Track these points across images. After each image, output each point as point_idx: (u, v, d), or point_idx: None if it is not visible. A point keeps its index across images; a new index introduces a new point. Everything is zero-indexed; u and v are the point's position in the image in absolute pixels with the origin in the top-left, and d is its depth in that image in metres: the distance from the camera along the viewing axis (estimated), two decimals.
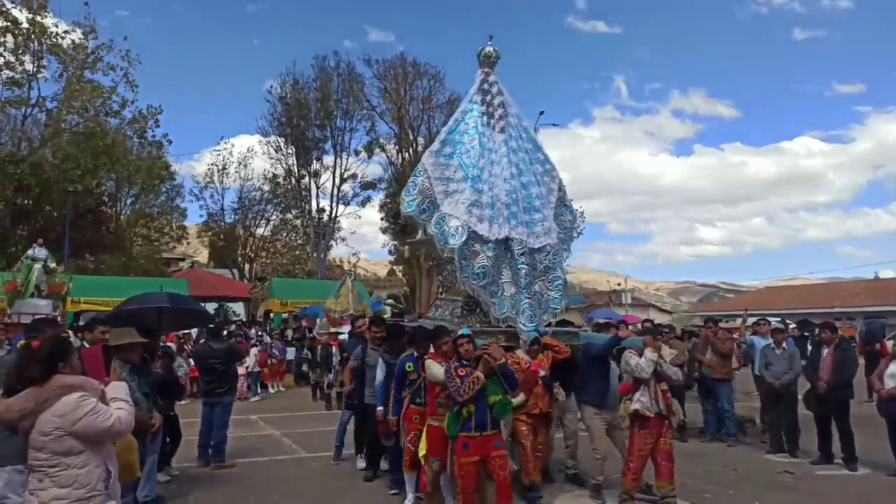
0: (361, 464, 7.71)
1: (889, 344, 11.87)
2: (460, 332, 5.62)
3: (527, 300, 7.07)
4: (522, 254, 7.15)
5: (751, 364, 11.81)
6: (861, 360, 12.28)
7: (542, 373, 6.40)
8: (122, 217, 33.55)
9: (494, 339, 6.06)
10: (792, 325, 15.43)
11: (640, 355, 6.07)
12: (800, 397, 8.94)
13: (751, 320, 15.68)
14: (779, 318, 16.32)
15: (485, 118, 7.65)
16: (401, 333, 7.04)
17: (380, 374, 6.84)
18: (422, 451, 5.71)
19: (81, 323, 13.92)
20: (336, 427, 8.43)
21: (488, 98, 7.78)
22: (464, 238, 6.84)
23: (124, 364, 4.81)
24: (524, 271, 7.11)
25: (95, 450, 3.03)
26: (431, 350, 6.07)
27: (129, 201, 33.54)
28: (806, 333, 13.75)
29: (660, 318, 30.83)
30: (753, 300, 46.60)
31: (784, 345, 9.06)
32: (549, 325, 7.42)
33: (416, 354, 6.31)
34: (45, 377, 2.98)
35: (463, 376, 5.24)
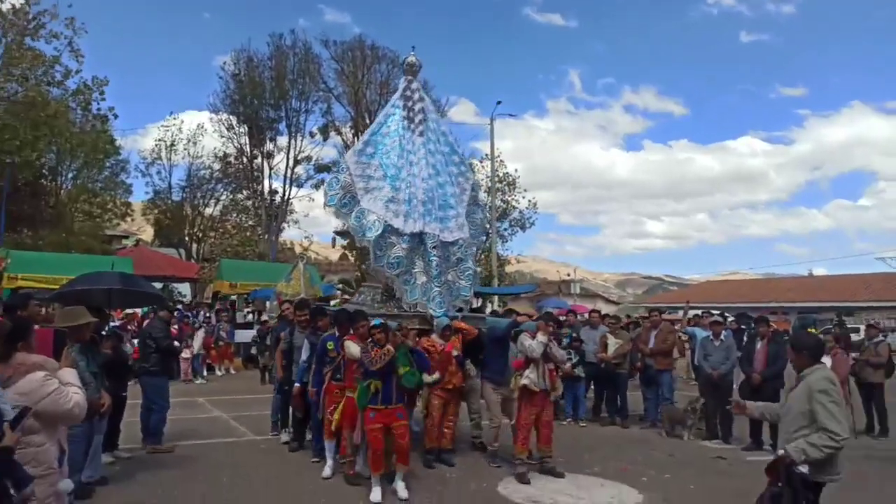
0: (285, 437, 8.20)
1: None
2: (373, 323, 6.29)
3: (437, 288, 7.81)
4: (434, 247, 7.82)
5: (690, 354, 12.33)
6: None
7: (455, 353, 7.30)
8: (62, 191, 32.21)
9: (408, 322, 7.24)
10: (731, 319, 16.15)
11: (534, 337, 6.82)
12: (735, 387, 9.40)
13: (692, 312, 16.29)
14: (719, 312, 17.04)
15: (406, 122, 8.32)
16: (322, 315, 7.58)
17: (304, 354, 7.38)
18: (335, 417, 6.46)
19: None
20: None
21: (410, 104, 8.47)
22: (380, 231, 7.52)
23: (74, 343, 4.71)
24: (435, 262, 7.80)
25: (51, 429, 3.00)
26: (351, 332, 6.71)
27: (70, 175, 32.19)
28: (743, 326, 14.43)
29: (607, 309, 31.61)
30: (695, 293, 48.31)
31: (722, 337, 9.49)
32: (459, 310, 8.28)
33: (337, 335, 6.83)
34: (6, 355, 2.94)
35: (377, 353, 5.97)
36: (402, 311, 7.75)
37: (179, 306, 17.90)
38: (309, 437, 7.76)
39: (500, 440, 7.51)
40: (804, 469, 3.81)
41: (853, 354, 10.50)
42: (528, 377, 6.75)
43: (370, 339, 6.18)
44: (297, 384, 7.51)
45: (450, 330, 7.41)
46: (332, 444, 6.78)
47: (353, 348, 6.31)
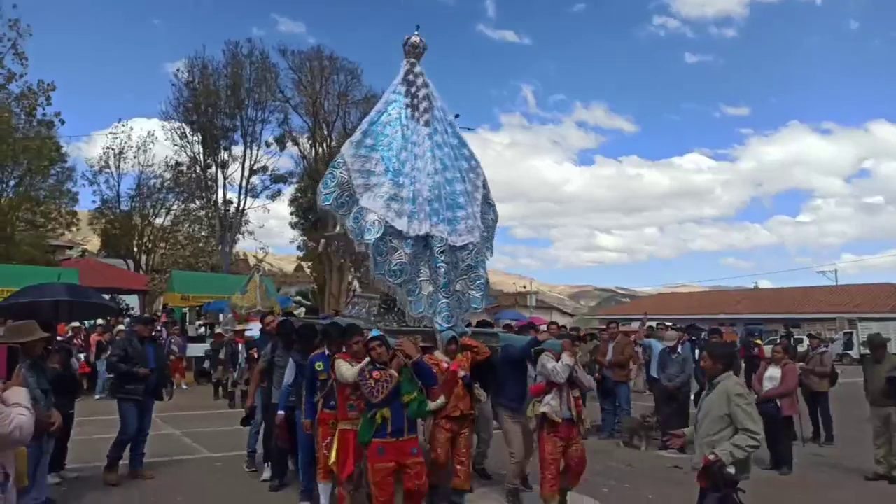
0: (267, 473, 7.15)
1: (767, 349, 12.98)
2: (371, 335, 5.31)
3: (444, 299, 6.78)
4: (442, 252, 6.85)
5: (645, 366, 12.57)
6: (742, 364, 13.39)
7: (461, 373, 6.15)
8: (3, 199, 30.85)
9: (411, 339, 5.87)
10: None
11: (558, 359, 5.93)
12: (692, 398, 9.63)
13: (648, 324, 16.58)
14: (670, 323, 17.45)
15: (409, 110, 7.38)
16: (312, 334, 6.54)
17: (288, 376, 6.39)
18: (332, 458, 5.39)
19: None
20: (247, 432, 7.81)
21: (413, 89, 7.51)
22: (380, 233, 6.56)
23: (25, 358, 4.49)
24: (443, 270, 6.82)
25: None
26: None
27: (12, 182, 30.88)
28: (693, 338, 14.81)
29: (562, 321, 32.00)
30: (647, 305, 49.36)
31: (679, 349, 9.71)
32: (469, 324, 7.28)
33: (327, 353, 5.89)
34: None
35: (377, 379, 5.00)
36: (402, 325, 6.72)
37: (126, 320, 17.32)
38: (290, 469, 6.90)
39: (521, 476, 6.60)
40: (731, 470, 4.19)
41: (799, 364, 10.89)
42: (549, 404, 5.84)
43: (368, 360, 5.17)
44: (279, 411, 6.40)
45: (456, 345, 6.28)
46: (328, 487, 5.73)
47: (345, 369, 5.26)
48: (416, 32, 7.71)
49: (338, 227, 7.36)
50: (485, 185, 7.86)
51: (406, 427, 5.04)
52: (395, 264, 6.61)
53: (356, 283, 13.99)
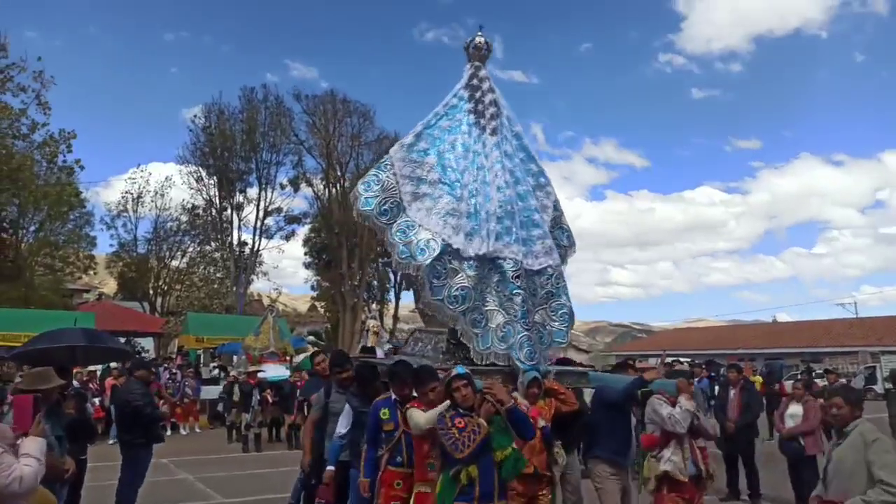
0: None
1: (787, 385, 12.74)
2: (455, 373, 4.34)
3: (524, 332, 5.78)
4: (517, 276, 5.92)
5: None
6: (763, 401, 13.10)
7: (542, 423, 5.04)
8: (23, 245, 31.42)
9: (494, 380, 4.90)
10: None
11: (673, 403, 5.04)
12: None
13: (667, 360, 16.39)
14: (689, 359, 17.22)
15: (472, 116, 6.60)
16: (374, 377, 5.52)
17: (342, 425, 5.38)
18: None
19: None
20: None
21: (478, 94, 6.73)
22: (436, 253, 5.74)
23: (42, 405, 4.50)
24: (521, 297, 5.86)
25: None
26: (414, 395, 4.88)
27: (32, 228, 31.50)
28: (712, 374, 14.58)
29: (578, 357, 31.62)
30: (664, 341, 48.80)
31: None
32: (550, 362, 6.31)
33: (394, 398, 4.90)
34: None
35: (462, 428, 4.04)
36: (475, 364, 5.63)
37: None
38: None
39: None
40: None
41: (819, 401, 10.65)
42: (671, 461, 4.92)
43: (449, 404, 4.19)
44: (329, 467, 5.42)
45: (539, 388, 5.20)
46: None
47: (418, 415, 4.35)
48: (479, 33, 6.98)
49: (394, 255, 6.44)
50: (556, 207, 6.95)
51: (496, 491, 4.05)
52: (457, 288, 5.69)
53: (371, 322, 13.90)
